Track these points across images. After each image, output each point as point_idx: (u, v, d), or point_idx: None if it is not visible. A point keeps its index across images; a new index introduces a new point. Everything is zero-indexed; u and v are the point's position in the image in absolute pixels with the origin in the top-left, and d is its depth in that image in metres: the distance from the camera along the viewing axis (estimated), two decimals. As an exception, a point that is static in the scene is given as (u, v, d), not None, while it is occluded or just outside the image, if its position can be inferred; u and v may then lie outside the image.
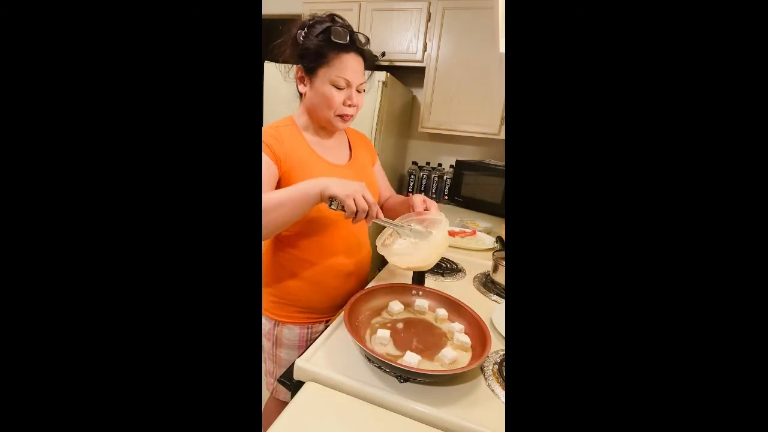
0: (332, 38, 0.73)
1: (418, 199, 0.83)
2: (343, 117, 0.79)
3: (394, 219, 0.85)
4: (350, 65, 0.75)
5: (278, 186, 0.76)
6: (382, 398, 0.53)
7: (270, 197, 0.65)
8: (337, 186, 0.65)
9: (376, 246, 0.80)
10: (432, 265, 0.78)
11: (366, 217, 0.67)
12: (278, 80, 0.92)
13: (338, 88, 0.76)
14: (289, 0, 2.37)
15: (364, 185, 0.67)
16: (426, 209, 0.81)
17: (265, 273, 0.85)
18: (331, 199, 0.66)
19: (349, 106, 0.78)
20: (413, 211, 0.81)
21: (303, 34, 0.76)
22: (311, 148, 0.81)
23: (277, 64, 0.81)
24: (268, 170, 0.73)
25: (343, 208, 0.65)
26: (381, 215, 0.69)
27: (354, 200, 0.64)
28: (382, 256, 0.78)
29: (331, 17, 0.77)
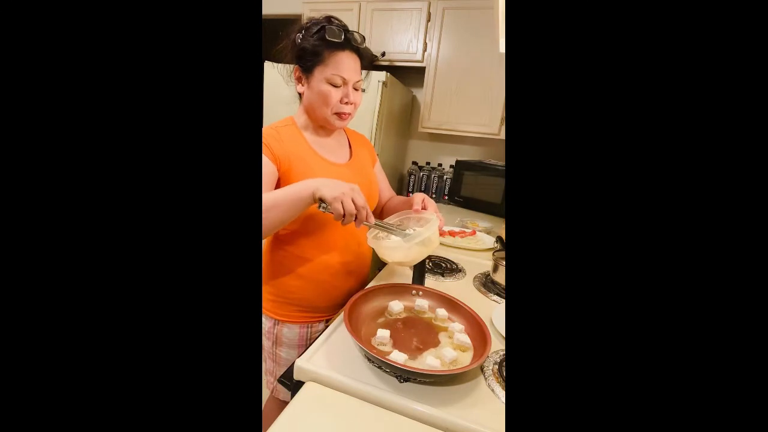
0: (327, 37, 0.74)
1: (418, 197, 0.84)
2: (340, 115, 0.79)
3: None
4: (346, 63, 0.76)
5: (278, 185, 0.76)
6: (382, 398, 0.53)
7: (266, 198, 0.65)
8: (327, 188, 0.64)
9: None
10: (419, 261, 0.79)
11: (355, 220, 0.66)
12: (278, 81, 0.92)
13: (335, 85, 0.77)
14: (289, 0, 2.37)
15: (357, 187, 0.66)
16: (424, 208, 0.82)
17: (264, 272, 0.85)
18: (321, 201, 0.65)
19: (347, 103, 0.79)
20: (412, 208, 0.83)
21: (300, 36, 0.78)
22: (311, 147, 0.82)
23: (278, 67, 0.82)
24: (267, 170, 0.74)
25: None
26: (371, 219, 0.68)
27: (342, 203, 0.63)
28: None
29: (328, 19, 0.78)
